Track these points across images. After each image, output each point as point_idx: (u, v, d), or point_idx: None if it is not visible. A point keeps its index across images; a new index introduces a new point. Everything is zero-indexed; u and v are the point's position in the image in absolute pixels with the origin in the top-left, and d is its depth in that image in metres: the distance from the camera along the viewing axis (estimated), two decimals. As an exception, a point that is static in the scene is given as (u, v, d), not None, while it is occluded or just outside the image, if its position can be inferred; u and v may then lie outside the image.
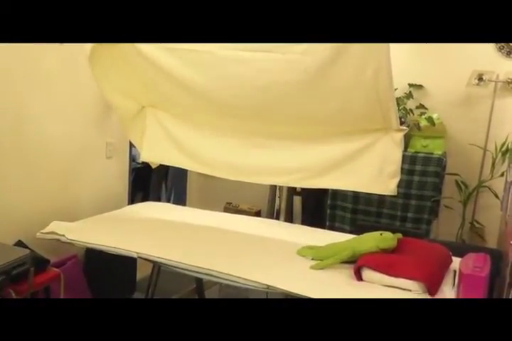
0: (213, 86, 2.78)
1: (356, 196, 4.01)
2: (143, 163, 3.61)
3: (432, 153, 3.89)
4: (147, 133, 3.37)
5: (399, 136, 2.60)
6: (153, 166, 3.59)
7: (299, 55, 2.38)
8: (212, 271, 2.37)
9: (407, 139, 3.99)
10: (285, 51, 2.40)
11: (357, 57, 2.28)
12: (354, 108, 2.56)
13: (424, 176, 3.83)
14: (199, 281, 3.48)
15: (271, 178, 3.09)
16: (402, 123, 3.71)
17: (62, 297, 2.78)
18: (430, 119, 3.96)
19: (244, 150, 3.05)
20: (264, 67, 2.52)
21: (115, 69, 2.96)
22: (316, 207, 4.26)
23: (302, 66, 2.43)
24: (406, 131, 2.61)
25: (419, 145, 4.00)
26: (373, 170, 2.69)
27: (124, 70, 2.98)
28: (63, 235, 2.75)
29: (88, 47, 2.71)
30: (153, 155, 3.42)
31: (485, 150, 4.06)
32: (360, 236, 2.62)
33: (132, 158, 4.04)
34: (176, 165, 3.49)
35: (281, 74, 2.51)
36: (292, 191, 4.31)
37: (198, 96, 2.89)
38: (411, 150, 3.96)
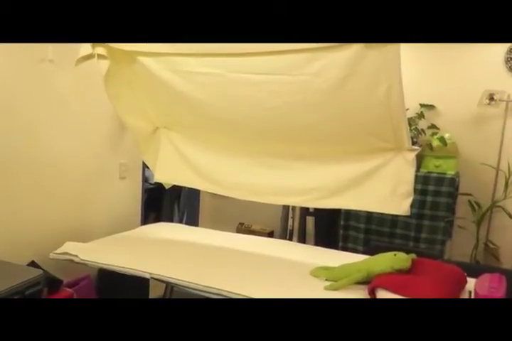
0: (224, 107, 2.81)
1: (369, 216, 4.00)
2: (155, 183, 3.63)
3: (445, 173, 3.88)
4: (161, 154, 3.39)
5: (411, 156, 2.60)
6: (167, 187, 3.61)
7: (311, 76, 2.40)
8: (225, 291, 2.36)
9: (420, 159, 3.99)
10: (296, 73, 2.42)
11: (368, 77, 2.30)
12: (366, 127, 2.57)
13: (437, 196, 3.81)
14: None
15: (284, 198, 3.09)
16: (414, 143, 3.71)
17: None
18: (442, 139, 3.95)
19: (257, 170, 3.05)
20: (276, 89, 2.55)
21: (129, 91, 3.01)
22: (329, 227, 4.25)
23: (314, 87, 2.44)
24: (418, 151, 2.61)
25: (432, 165, 3.99)
26: (386, 190, 2.68)
27: (138, 92, 3.02)
28: (76, 255, 2.76)
29: (103, 68, 2.75)
30: (166, 175, 3.43)
31: (497, 169, 4.05)
32: (374, 256, 2.61)
33: (145, 179, 4.06)
34: (189, 186, 3.50)
35: (293, 95, 2.53)
36: (305, 211, 4.30)
37: (210, 117, 2.91)
38: (424, 171, 3.95)
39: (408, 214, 2.68)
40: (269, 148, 2.99)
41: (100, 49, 2.67)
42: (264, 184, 3.03)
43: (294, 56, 2.35)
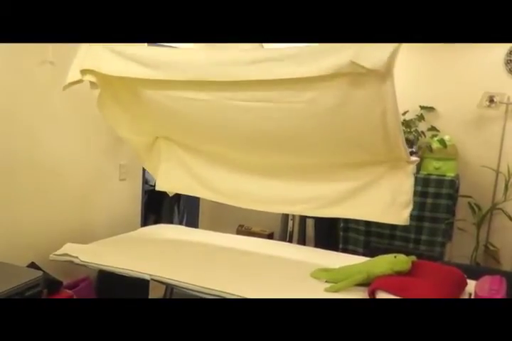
0: (223, 130, 2.85)
1: (369, 218, 3.99)
2: (155, 185, 3.64)
3: (445, 175, 3.87)
4: (162, 163, 3.42)
5: (410, 167, 2.61)
6: (170, 195, 3.64)
7: (305, 104, 2.42)
8: (225, 293, 2.36)
9: (420, 161, 3.98)
10: (290, 101, 2.44)
11: (363, 103, 2.31)
12: (363, 145, 2.59)
13: (437, 198, 3.81)
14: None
15: (284, 207, 3.12)
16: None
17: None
18: (442, 141, 3.95)
19: (257, 179, 3.07)
20: (269, 114, 2.57)
21: (124, 111, 3.04)
22: (329, 229, 4.25)
23: (308, 113, 2.47)
24: (417, 162, 2.62)
25: (432, 167, 3.99)
26: (385, 200, 2.68)
27: (133, 112, 3.06)
28: (76, 257, 2.76)
29: (96, 92, 2.78)
30: (168, 184, 3.46)
31: (497, 172, 4.05)
32: (374, 258, 2.61)
33: (145, 181, 4.06)
34: (191, 194, 3.52)
35: (287, 120, 2.56)
36: (305, 213, 4.30)
37: (209, 137, 2.97)
38: (423, 173, 3.95)
39: (407, 223, 2.68)
40: (268, 161, 3.02)
41: (89, 76, 2.68)
42: (265, 193, 3.05)
43: (289, 85, 2.36)
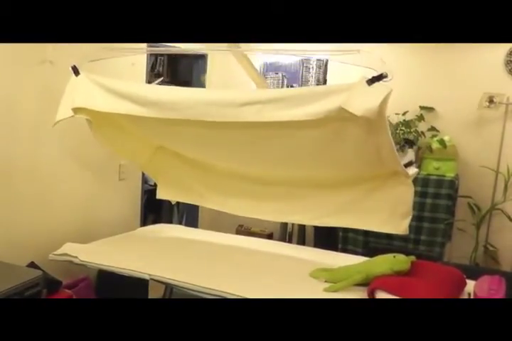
0: (218, 148, 2.88)
1: (369, 218, 3.99)
2: (155, 184, 3.64)
3: (444, 176, 3.87)
4: (163, 173, 3.44)
5: (408, 181, 2.60)
6: (173, 203, 3.66)
7: (297, 139, 2.47)
8: (225, 293, 2.36)
9: (419, 161, 3.99)
10: (281, 137, 2.51)
11: (356, 141, 2.34)
12: (360, 167, 2.63)
13: (437, 199, 3.81)
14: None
15: (283, 216, 3.13)
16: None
17: (74, 319, 2.77)
18: (442, 142, 3.96)
19: (257, 189, 3.10)
20: (266, 148, 2.66)
21: (120, 138, 3.11)
22: (328, 229, 4.24)
23: (302, 145, 2.53)
24: (416, 175, 2.63)
25: (432, 167, 3.99)
26: (385, 210, 2.68)
27: (130, 134, 3.11)
28: (76, 257, 2.76)
29: (90, 125, 2.85)
30: (169, 193, 3.48)
31: (497, 172, 4.05)
32: (374, 258, 2.61)
33: (144, 180, 4.06)
34: (192, 203, 3.53)
35: (282, 149, 2.63)
36: (304, 213, 4.30)
37: (205, 151, 3.02)
38: (423, 173, 3.94)
39: (407, 233, 2.67)
40: (267, 173, 3.06)
41: (82, 114, 2.72)
42: (263, 202, 3.07)
43: (280, 125, 2.37)
